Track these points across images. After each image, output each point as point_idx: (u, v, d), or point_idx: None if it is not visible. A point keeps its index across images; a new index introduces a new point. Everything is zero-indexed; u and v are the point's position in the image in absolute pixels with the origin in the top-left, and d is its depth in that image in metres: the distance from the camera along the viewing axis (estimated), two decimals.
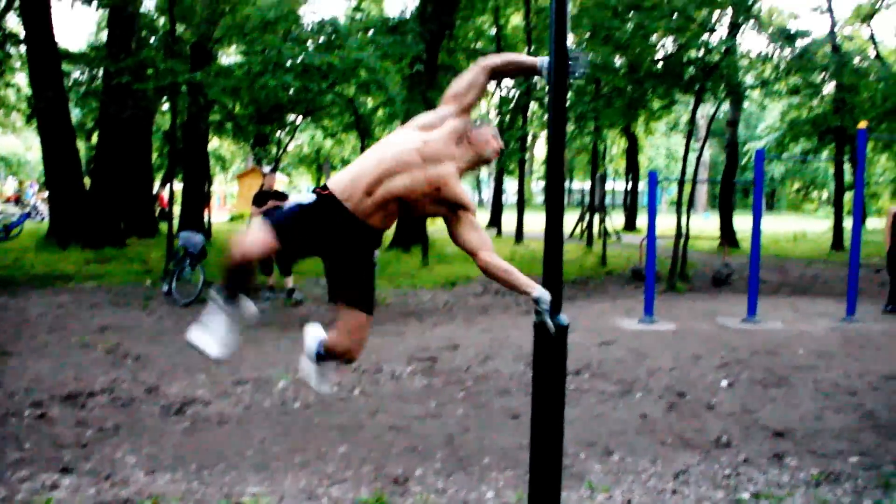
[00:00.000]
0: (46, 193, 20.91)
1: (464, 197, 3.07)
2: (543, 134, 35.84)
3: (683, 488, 4.11)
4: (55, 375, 6.12)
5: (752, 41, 60.62)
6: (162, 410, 5.35)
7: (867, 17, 21.84)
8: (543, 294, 2.88)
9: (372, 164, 3.02)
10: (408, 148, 3.02)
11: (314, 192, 3.09)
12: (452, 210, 3.06)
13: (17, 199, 35.08)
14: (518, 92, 19.82)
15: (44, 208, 24.95)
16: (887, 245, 10.13)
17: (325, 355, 3.38)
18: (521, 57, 3.29)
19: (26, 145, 44.63)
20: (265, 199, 9.83)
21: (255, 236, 2.97)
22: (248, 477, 4.20)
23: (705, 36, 12.98)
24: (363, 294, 3.17)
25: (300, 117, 12.99)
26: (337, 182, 3.04)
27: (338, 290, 3.20)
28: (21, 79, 24.91)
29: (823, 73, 16.47)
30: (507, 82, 23.10)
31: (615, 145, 36.45)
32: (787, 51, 13.56)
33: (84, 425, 4.99)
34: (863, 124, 9.76)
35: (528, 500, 3.05)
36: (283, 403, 5.49)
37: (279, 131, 13.15)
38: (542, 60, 3.04)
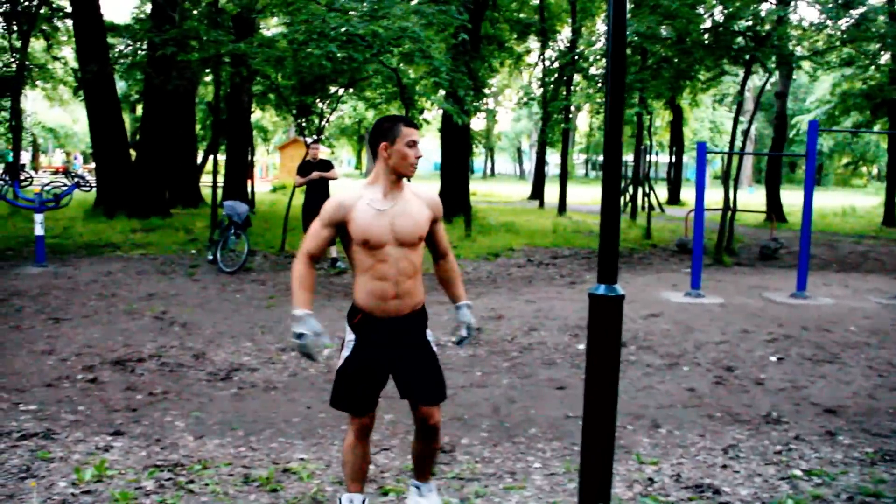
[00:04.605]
0: (93, 165, 21.23)
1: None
2: (587, 106, 35.35)
3: (733, 463, 4.03)
4: (105, 341, 6.23)
5: (803, 10, 58.64)
6: (209, 376, 5.42)
7: None
8: (468, 314, 3.27)
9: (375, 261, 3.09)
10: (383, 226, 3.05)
11: (351, 324, 3.08)
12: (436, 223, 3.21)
13: (66, 171, 35.77)
14: (562, 62, 19.51)
15: (91, 179, 25.38)
16: None
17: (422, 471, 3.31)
18: None
19: (73, 118, 45.41)
20: (309, 169, 9.98)
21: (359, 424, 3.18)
22: (294, 443, 4.23)
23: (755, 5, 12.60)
24: (438, 383, 3.13)
25: (342, 88, 12.95)
26: (361, 299, 3.05)
27: (411, 386, 3.14)
28: (68, 52, 25.29)
29: (880, 43, 15.86)
30: (550, 53, 22.80)
31: (659, 118, 35.85)
32: (843, 20, 13.08)
33: (134, 390, 5.08)
34: None
35: (580, 471, 3.01)
36: (327, 371, 5.51)
37: (321, 102, 13.10)
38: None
